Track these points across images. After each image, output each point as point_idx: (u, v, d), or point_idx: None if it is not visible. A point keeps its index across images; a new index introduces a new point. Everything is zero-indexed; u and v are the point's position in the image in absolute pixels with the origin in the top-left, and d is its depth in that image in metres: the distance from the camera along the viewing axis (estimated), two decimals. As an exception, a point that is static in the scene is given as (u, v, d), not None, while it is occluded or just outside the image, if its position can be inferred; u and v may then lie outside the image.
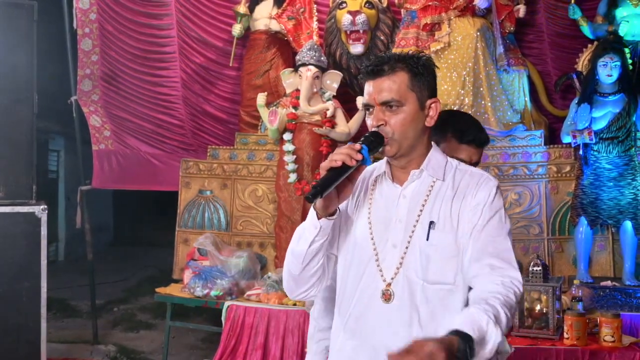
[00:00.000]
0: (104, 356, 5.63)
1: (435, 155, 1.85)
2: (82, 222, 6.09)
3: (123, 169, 6.25)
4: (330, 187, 1.67)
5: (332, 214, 1.77)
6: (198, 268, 4.81)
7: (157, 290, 4.98)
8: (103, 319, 6.65)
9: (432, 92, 1.84)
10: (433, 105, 1.82)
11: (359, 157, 1.68)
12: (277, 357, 4.28)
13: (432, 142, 1.88)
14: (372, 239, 1.81)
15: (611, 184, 4.44)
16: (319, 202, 1.72)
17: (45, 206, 4.17)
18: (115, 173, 6.24)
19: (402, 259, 1.76)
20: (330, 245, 1.89)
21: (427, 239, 1.75)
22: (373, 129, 1.78)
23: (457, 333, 1.48)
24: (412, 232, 1.77)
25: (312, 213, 1.78)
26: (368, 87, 1.80)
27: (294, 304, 4.34)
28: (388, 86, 1.76)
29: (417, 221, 1.78)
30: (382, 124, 1.76)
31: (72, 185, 9.96)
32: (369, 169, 1.93)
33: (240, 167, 5.45)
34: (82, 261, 7.41)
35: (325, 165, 1.68)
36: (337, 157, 1.67)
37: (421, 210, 1.78)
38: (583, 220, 4.52)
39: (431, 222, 1.76)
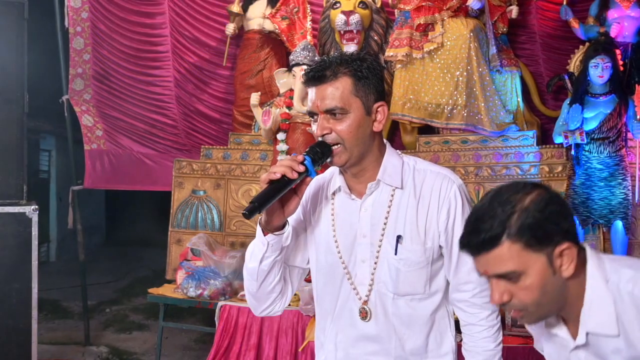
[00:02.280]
0: (95, 357, 5.62)
1: (390, 160, 1.78)
2: (73, 223, 6.07)
3: (115, 168, 6.24)
4: (270, 201, 1.59)
5: (280, 229, 1.71)
6: (191, 268, 4.79)
7: (150, 290, 4.96)
8: (95, 320, 6.63)
9: (379, 96, 1.75)
10: (380, 109, 1.74)
11: (301, 169, 1.61)
12: (270, 357, 4.27)
13: (386, 144, 1.82)
14: (340, 257, 1.77)
15: (602, 184, 4.46)
16: (262, 217, 1.67)
17: (36, 206, 4.14)
18: (108, 173, 6.22)
19: (373, 275, 1.75)
20: (292, 258, 1.86)
21: (396, 254, 1.72)
22: (319, 139, 1.70)
23: None
24: (379, 247, 1.74)
25: (258, 229, 1.72)
26: (311, 93, 1.71)
27: (288, 305, 4.33)
28: (331, 93, 1.67)
29: (382, 235, 1.74)
30: (327, 133, 1.68)
31: (63, 185, 9.93)
32: (326, 178, 1.88)
33: (234, 167, 5.44)
34: (73, 262, 7.38)
35: (264, 178, 1.61)
36: (277, 169, 1.59)
37: (385, 224, 1.74)
38: (574, 220, 4.54)
39: (399, 237, 1.72)
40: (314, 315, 3.98)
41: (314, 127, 1.72)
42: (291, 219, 1.78)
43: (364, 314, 1.74)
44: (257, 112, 5.01)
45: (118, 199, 12.27)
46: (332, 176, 1.87)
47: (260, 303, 1.87)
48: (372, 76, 1.71)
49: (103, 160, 6.18)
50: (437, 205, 1.74)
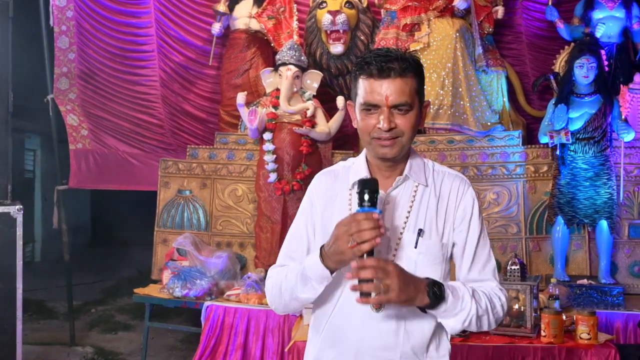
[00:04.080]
0: (81, 358, 5.58)
1: (415, 158, 1.84)
2: (58, 223, 6.02)
3: (101, 168, 6.19)
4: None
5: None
6: (177, 268, 4.77)
7: (136, 291, 4.93)
8: (80, 321, 6.58)
9: (424, 95, 1.84)
10: (426, 108, 1.84)
11: (379, 222, 1.60)
12: (257, 357, 4.27)
13: None
14: None
15: (587, 183, 4.49)
16: (335, 261, 1.67)
17: (21, 206, 4.09)
18: (93, 173, 6.18)
19: None
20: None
21: (416, 247, 1.74)
22: (363, 177, 1.71)
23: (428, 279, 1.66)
24: (399, 239, 1.76)
25: (320, 266, 1.69)
26: (377, 86, 1.71)
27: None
28: (401, 88, 1.71)
29: (404, 228, 1.77)
30: (394, 127, 1.72)
31: (48, 185, 9.83)
32: (338, 171, 1.91)
33: (220, 167, 5.42)
34: (59, 262, 7.32)
35: (357, 252, 1.60)
36: (366, 246, 1.58)
37: (407, 217, 1.78)
38: (560, 220, 4.58)
39: (420, 230, 1.76)
40: (301, 315, 3.99)
41: (369, 120, 1.74)
42: (303, 221, 1.88)
43: (378, 305, 1.72)
44: (244, 112, 5.00)
45: (103, 198, 12.17)
46: (346, 168, 1.90)
47: (291, 311, 1.92)
48: (423, 77, 1.82)
49: (88, 159, 6.13)
50: (455, 205, 1.81)
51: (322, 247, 1.69)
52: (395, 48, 1.84)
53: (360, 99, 1.76)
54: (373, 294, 1.58)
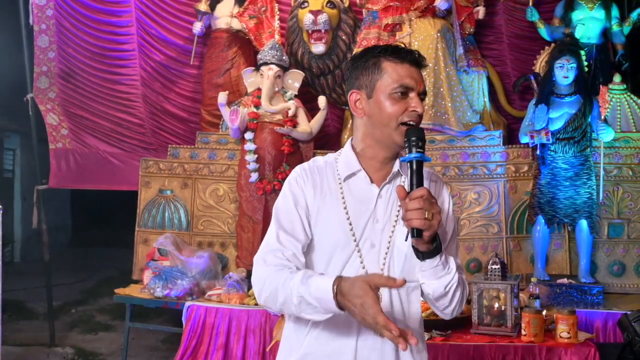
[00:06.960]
0: (61, 359, 5.54)
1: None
2: (38, 222, 5.97)
3: (81, 168, 6.15)
4: None
5: None
6: (158, 268, 4.75)
7: (116, 291, 4.90)
8: (60, 321, 6.54)
9: None
10: None
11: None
12: (238, 357, 4.26)
13: None
14: (355, 240, 1.78)
15: (567, 183, 4.52)
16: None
17: (0, 206, 4.06)
18: (73, 172, 6.13)
19: (385, 259, 1.79)
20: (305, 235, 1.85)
21: (406, 239, 1.72)
22: (414, 128, 1.74)
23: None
24: (392, 232, 1.79)
25: (331, 302, 1.58)
26: (414, 71, 1.78)
27: (255, 304, 4.32)
28: (423, 79, 1.83)
29: (395, 221, 1.79)
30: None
31: (28, 185, 9.77)
32: (320, 166, 1.88)
33: (201, 167, 5.39)
34: (38, 262, 7.26)
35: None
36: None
37: (399, 211, 1.79)
38: (540, 219, 4.61)
39: None
40: (282, 315, 3.98)
41: (396, 106, 1.75)
42: (292, 202, 1.83)
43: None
44: (225, 111, 4.98)
45: (84, 198, 12.09)
46: (329, 163, 1.88)
47: None
48: None
49: (68, 159, 6.08)
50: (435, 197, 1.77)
51: (339, 281, 1.58)
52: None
53: (392, 82, 1.76)
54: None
